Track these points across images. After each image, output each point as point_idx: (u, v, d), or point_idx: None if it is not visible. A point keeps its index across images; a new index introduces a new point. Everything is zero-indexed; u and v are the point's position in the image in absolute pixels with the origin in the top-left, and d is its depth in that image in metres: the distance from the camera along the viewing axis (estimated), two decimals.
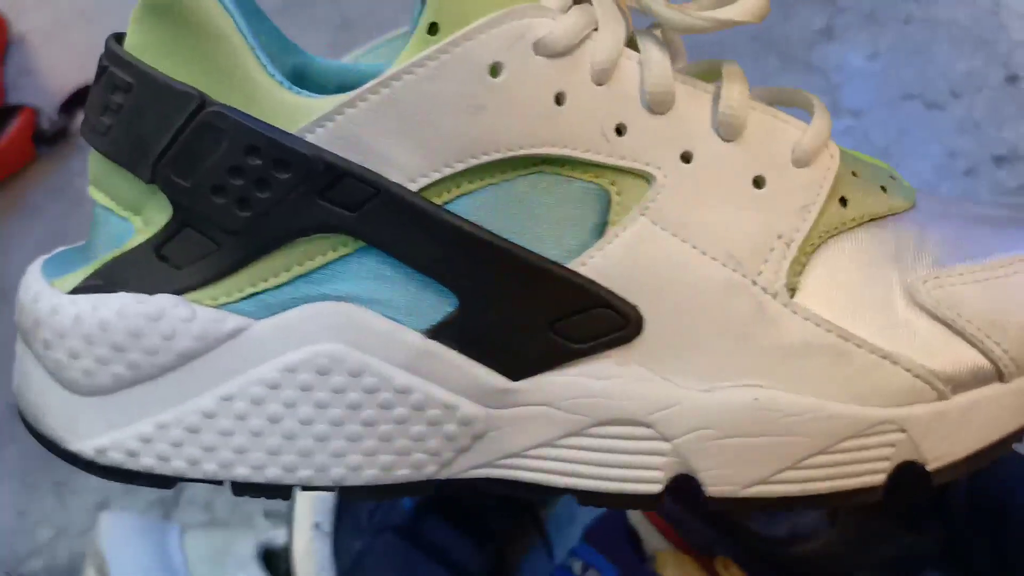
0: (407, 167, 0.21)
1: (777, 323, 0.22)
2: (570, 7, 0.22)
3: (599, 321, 0.22)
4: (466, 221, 0.21)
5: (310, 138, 0.21)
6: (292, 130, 0.21)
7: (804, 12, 0.55)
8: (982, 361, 0.23)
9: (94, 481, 0.46)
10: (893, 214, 0.25)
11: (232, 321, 0.22)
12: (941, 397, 0.23)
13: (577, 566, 0.34)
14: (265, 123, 0.21)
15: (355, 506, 0.36)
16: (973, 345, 0.23)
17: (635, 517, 0.36)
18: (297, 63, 0.25)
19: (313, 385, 0.22)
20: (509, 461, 0.23)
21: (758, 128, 0.23)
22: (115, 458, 0.22)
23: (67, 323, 0.22)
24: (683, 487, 0.23)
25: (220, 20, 0.21)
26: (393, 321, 0.22)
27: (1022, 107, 0.52)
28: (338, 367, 0.22)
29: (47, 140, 0.61)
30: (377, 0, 0.63)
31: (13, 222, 0.57)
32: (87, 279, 0.22)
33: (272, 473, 0.22)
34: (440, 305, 0.22)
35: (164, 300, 0.22)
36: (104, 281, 0.22)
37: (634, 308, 0.22)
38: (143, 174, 0.22)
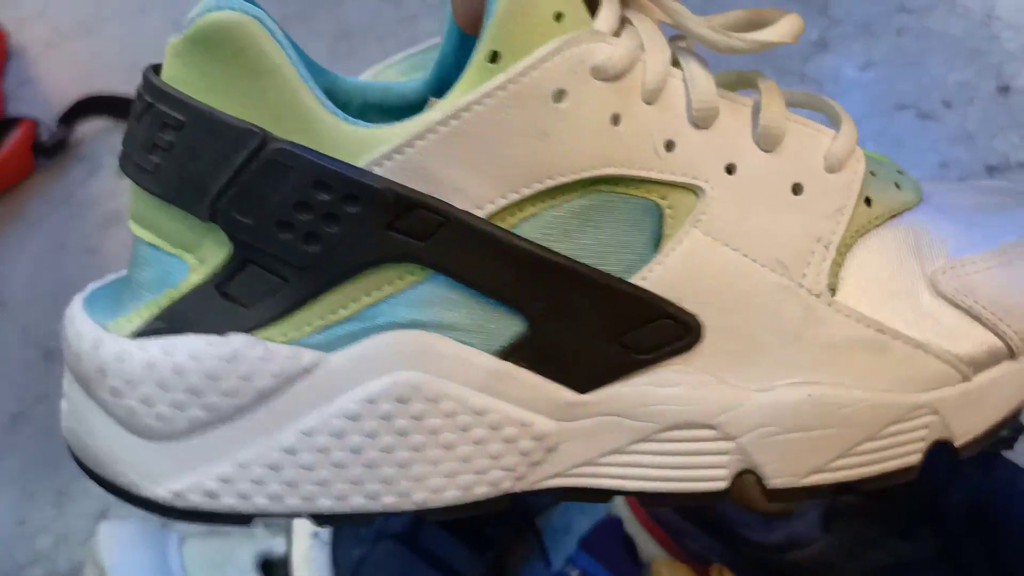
0: (475, 195, 0.21)
1: (824, 322, 0.24)
2: (619, 31, 0.22)
3: (662, 331, 0.23)
4: (535, 244, 0.22)
5: (378, 170, 0.21)
6: (357, 162, 0.21)
7: None
8: (997, 342, 0.25)
9: (94, 490, 0.47)
10: (907, 209, 0.26)
11: (307, 356, 0.22)
12: (965, 379, 0.25)
13: (574, 574, 0.35)
14: (333, 158, 0.21)
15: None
16: (989, 328, 0.25)
17: (631, 525, 0.36)
18: (324, 83, 0.25)
19: (394, 414, 0.22)
20: (580, 470, 0.24)
21: (795, 138, 0.24)
22: (194, 500, 0.22)
23: (138, 369, 0.21)
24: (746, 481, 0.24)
25: (274, 55, 0.20)
26: (466, 345, 0.22)
27: (1015, 117, 0.52)
28: (417, 394, 0.22)
29: (46, 152, 0.61)
30: (376, 11, 0.63)
31: (12, 233, 0.57)
32: (150, 322, 0.22)
33: (356, 502, 0.23)
34: (509, 326, 0.22)
35: (238, 341, 0.21)
36: (168, 323, 0.22)
37: (694, 317, 0.23)
38: (200, 213, 0.21)
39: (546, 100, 0.21)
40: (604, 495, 0.24)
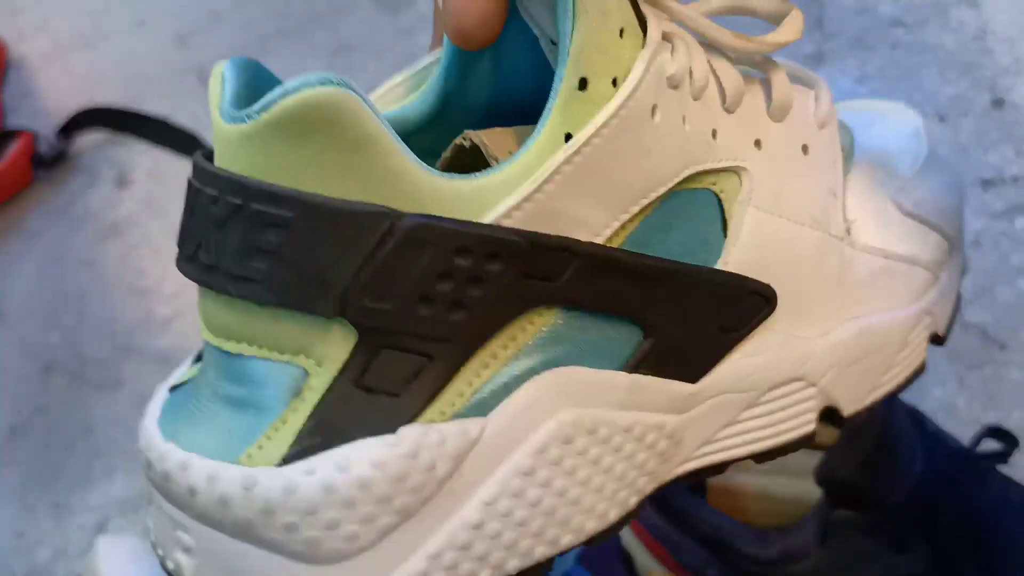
0: (594, 224, 0.22)
1: (852, 263, 0.27)
2: (660, 38, 0.23)
3: (750, 307, 0.25)
4: (647, 256, 0.22)
5: (509, 221, 0.20)
6: (482, 216, 0.20)
7: None
8: (943, 241, 0.29)
9: (92, 503, 0.47)
10: (852, 146, 0.29)
11: (474, 427, 0.21)
12: (936, 279, 0.29)
13: None
14: (469, 222, 0.20)
15: None
16: (937, 231, 0.29)
17: (628, 539, 0.36)
18: None
19: (563, 456, 0.22)
20: (700, 450, 0.25)
21: (796, 104, 0.26)
22: None
23: (316, 496, 0.19)
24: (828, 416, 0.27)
25: (370, 124, 0.19)
26: (599, 369, 0.22)
27: (1008, 131, 0.52)
28: (578, 430, 0.22)
29: (45, 164, 0.61)
30: (373, 25, 0.64)
31: (11, 245, 0.57)
32: (298, 441, 0.20)
33: (540, 552, 0.22)
34: (629, 339, 0.23)
35: (413, 433, 0.20)
36: (321, 437, 0.20)
37: (769, 286, 0.25)
38: (324, 310, 0.19)
39: (647, 118, 0.22)
40: (719, 468, 0.26)
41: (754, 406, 0.26)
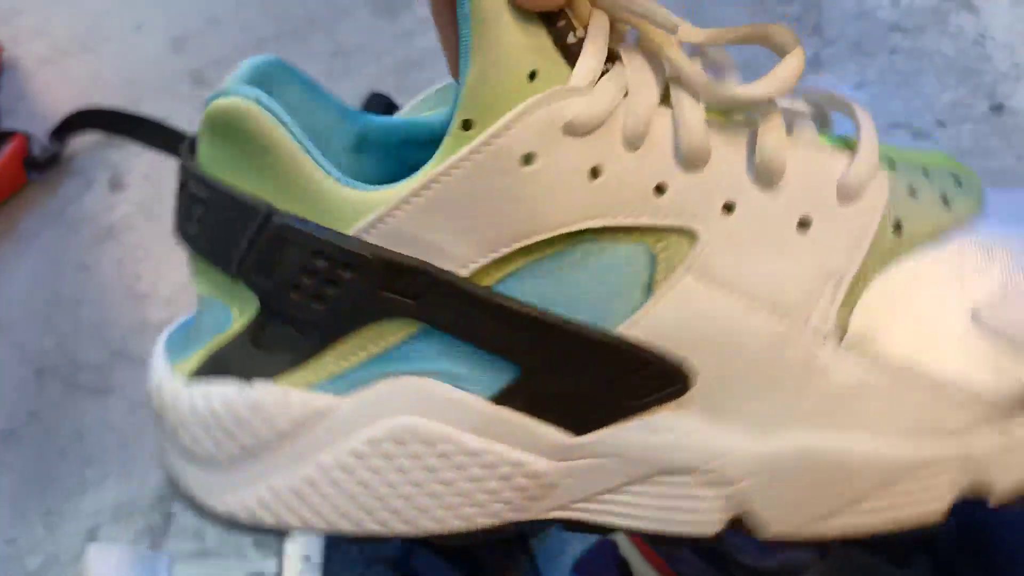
0: (458, 256, 0.22)
1: (829, 368, 0.22)
2: (599, 77, 0.22)
3: (652, 379, 0.23)
4: (516, 301, 0.22)
5: (368, 236, 0.22)
6: (353, 226, 0.22)
7: None
8: None
9: (84, 509, 0.46)
10: (957, 226, 0.23)
11: (321, 401, 0.24)
12: (1004, 420, 0.22)
13: None
14: (326, 228, 0.22)
15: (346, 539, 0.36)
16: None
17: (626, 548, 0.36)
18: (358, 128, 0.26)
19: (394, 453, 0.24)
20: (579, 505, 0.24)
21: (800, 167, 0.22)
22: (241, 517, 0.25)
23: (186, 413, 0.24)
24: (742, 527, 0.24)
25: (274, 132, 0.22)
26: (461, 390, 0.23)
27: (1007, 137, 0.52)
28: (413, 437, 0.24)
29: (39, 166, 0.61)
30: (371, 29, 0.64)
31: (4, 249, 0.57)
32: (201, 365, 0.24)
33: (371, 528, 0.24)
34: (503, 372, 0.23)
35: (261, 389, 0.24)
36: (213, 367, 0.24)
37: (683, 364, 0.22)
38: (230, 273, 0.23)
39: (515, 166, 0.21)
40: (603, 529, 0.25)
41: (641, 483, 0.24)
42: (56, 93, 0.64)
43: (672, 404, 0.23)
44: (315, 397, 0.24)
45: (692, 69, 0.22)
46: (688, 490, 0.24)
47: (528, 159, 0.21)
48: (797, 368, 0.22)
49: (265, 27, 0.62)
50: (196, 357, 0.24)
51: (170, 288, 0.54)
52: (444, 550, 0.36)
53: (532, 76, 0.21)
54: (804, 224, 0.22)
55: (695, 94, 0.22)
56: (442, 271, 0.22)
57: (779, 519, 0.23)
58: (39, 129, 0.61)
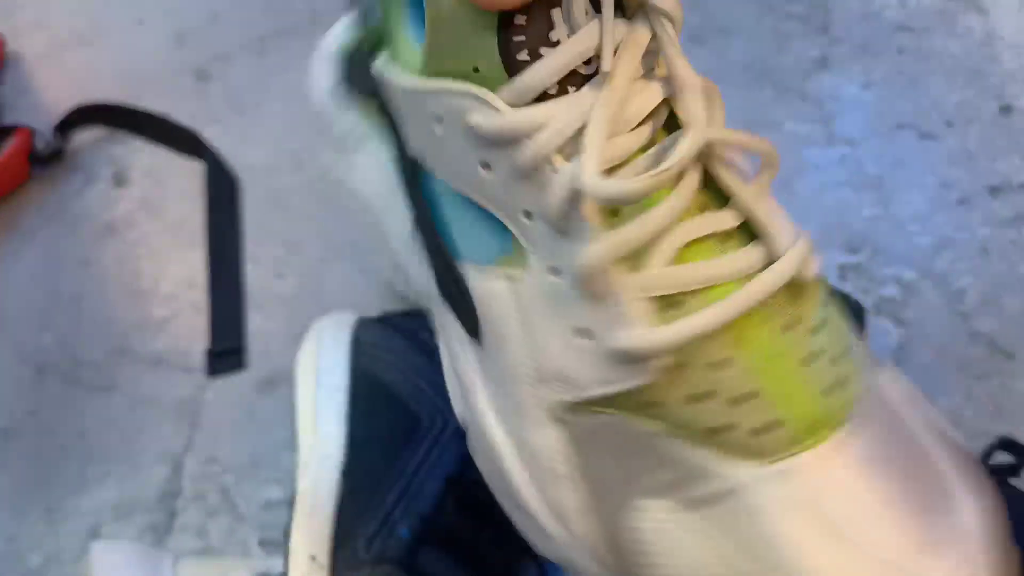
0: None
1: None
2: (528, 104, 0.23)
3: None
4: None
5: None
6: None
7: (799, 43, 0.56)
8: None
9: (85, 507, 0.46)
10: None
11: None
12: None
13: None
14: None
15: (352, 538, 0.35)
16: None
17: None
18: None
19: None
20: None
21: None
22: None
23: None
24: None
25: None
26: None
27: (1015, 137, 0.52)
28: None
29: (42, 161, 0.60)
30: None
31: (6, 243, 0.57)
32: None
33: None
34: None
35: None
36: None
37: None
38: None
39: (431, 121, 0.25)
40: None
41: None
42: (57, 87, 0.64)
43: None
44: None
45: (588, 162, 0.22)
46: None
47: (439, 120, 0.25)
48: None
49: (267, 23, 0.62)
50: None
51: (172, 285, 0.54)
52: (452, 550, 0.36)
53: (476, 70, 0.23)
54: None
55: (590, 192, 0.22)
56: None
57: None
58: (41, 123, 0.60)
